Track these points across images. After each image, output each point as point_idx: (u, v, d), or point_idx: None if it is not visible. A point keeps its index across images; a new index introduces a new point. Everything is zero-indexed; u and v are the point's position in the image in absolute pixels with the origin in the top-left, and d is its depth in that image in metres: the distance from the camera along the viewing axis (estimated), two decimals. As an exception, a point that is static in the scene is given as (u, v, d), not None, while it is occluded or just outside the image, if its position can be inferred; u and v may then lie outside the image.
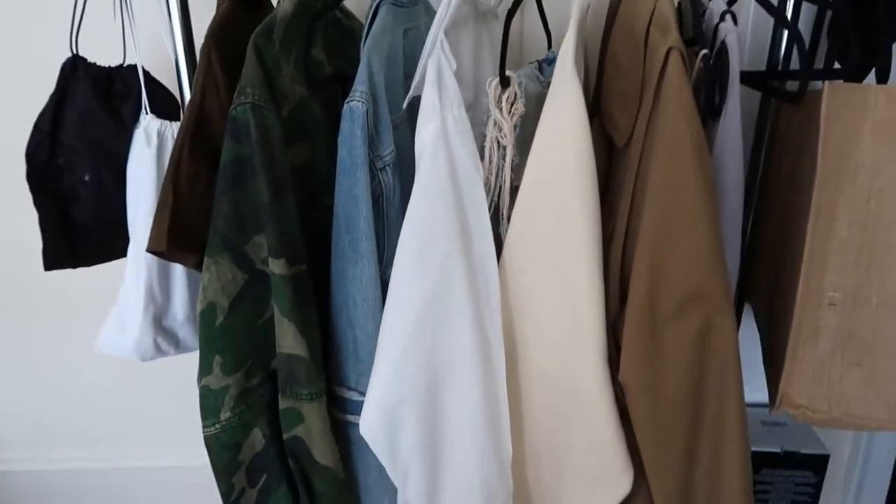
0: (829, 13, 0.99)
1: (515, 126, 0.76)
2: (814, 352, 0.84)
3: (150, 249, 0.75)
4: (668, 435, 0.78)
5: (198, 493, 1.40)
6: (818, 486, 1.34)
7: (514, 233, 0.79)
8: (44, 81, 0.94)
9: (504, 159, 0.78)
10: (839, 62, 0.95)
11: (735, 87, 0.72)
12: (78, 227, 0.97)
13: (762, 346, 0.99)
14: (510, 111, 0.75)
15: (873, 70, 0.90)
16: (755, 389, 1.00)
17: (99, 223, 0.97)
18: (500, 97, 0.75)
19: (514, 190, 0.79)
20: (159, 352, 1.02)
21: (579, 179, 0.75)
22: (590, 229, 0.77)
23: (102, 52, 0.97)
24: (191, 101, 0.75)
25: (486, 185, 0.79)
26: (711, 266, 0.72)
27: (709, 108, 0.78)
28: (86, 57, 0.94)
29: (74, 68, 0.92)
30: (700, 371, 0.75)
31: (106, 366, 1.43)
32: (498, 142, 0.77)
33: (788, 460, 1.31)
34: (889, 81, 0.89)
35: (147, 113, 0.95)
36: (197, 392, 0.78)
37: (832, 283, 0.82)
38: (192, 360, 1.05)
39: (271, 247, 0.73)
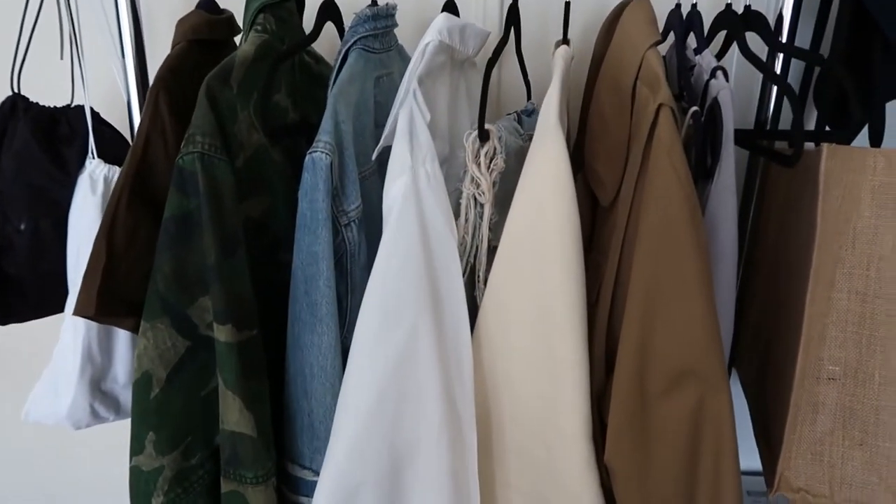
0: (815, 72, 0.96)
1: (494, 182, 0.70)
2: (812, 429, 0.77)
3: (78, 314, 0.66)
4: (659, 524, 0.70)
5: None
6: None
7: (491, 297, 0.73)
8: (-21, 121, 0.87)
9: (481, 218, 0.71)
10: (829, 123, 0.91)
11: (730, 147, 0.67)
12: (10, 279, 0.88)
13: (752, 419, 0.92)
14: (489, 167, 0.69)
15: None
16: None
17: (34, 276, 0.88)
18: (478, 151, 0.69)
19: (492, 251, 0.73)
20: (96, 418, 0.92)
21: (563, 241, 0.69)
22: (574, 294, 0.70)
23: (51, 92, 0.90)
24: (132, 148, 0.68)
25: (461, 245, 0.72)
26: (706, 340, 0.66)
27: (700, 169, 0.73)
28: (27, 97, 0.86)
29: (14, 108, 0.84)
30: (692, 455, 0.68)
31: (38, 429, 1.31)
32: (475, 199, 0.71)
33: (777, 538, 1.23)
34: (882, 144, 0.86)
35: (94, 157, 0.87)
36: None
37: (831, 357, 0.76)
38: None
39: (217, 311, 0.65)
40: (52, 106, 0.88)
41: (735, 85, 1.04)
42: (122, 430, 1.05)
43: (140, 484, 0.68)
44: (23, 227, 0.85)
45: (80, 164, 0.87)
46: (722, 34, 0.91)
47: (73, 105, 0.89)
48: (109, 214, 0.66)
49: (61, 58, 0.84)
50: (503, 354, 0.73)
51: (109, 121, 0.91)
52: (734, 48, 0.92)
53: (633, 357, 0.68)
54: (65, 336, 0.88)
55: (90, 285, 0.65)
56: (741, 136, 0.81)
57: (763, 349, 0.90)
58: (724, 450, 0.67)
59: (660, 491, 0.70)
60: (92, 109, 0.87)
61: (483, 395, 0.73)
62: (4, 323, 0.90)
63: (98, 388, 0.91)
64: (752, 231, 0.94)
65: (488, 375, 0.73)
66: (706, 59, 0.78)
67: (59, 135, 0.86)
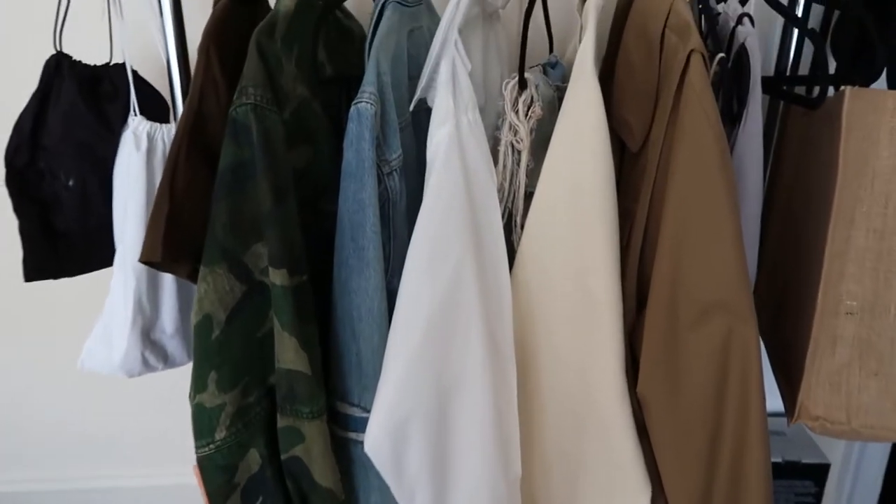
0: (833, 20, 0.98)
1: (532, 130, 0.73)
2: (831, 362, 0.81)
3: (144, 260, 0.70)
4: (688, 449, 0.75)
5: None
6: (819, 496, 1.32)
7: (528, 241, 0.76)
8: (26, 80, 0.89)
9: (518, 164, 0.75)
10: (848, 69, 0.94)
11: (757, 92, 0.70)
12: (60, 235, 0.91)
13: (769, 356, 0.97)
14: (527, 114, 0.72)
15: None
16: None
17: (83, 231, 0.91)
18: (516, 99, 0.72)
19: (528, 196, 0.76)
20: (147, 367, 0.97)
21: (597, 186, 0.72)
22: (608, 237, 0.74)
23: (89, 51, 0.92)
24: (188, 101, 0.71)
25: (499, 190, 0.76)
26: (735, 275, 0.69)
27: (727, 114, 0.76)
28: (70, 55, 0.89)
29: (59, 66, 0.87)
30: (721, 383, 0.73)
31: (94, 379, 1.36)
32: (513, 146, 0.74)
33: (790, 470, 1.29)
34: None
35: (136, 115, 0.90)
36: (188, 408, 0.73)
37: (849, 292, 0.80)
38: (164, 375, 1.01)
39: (272, 256, 0.69)
40: (93, 64, 0.90)
41: (756, 31, 1.07)
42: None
43: (204, 419, 0.73)
44: (71, 183, 0.89)
45: (124, 122, 0.90)
46: (743, -18, 0.93)
47: (113, 63, 0.92)
48: (170, 166, 0.69)
49: (101, 16, 0.85)
50: (539, 294, 0.77)
51: (147, 79, 0.94)
52: (753, -3, 0.94)
53: (664, 291, 0.72)
54: (115, 289, 0.92)
55: (156, 232, 0.69)
56: (764, 82, 0.83)
57: (781, 288, 0.94)
58: (751, 377, 0.71)
59: (690, 418, 0.74)
60: (132, 68, 0.90)
61: (521, 334, 0.77)
62: (56, 277, 0.93)
63: (148, 337, 0.95)
64: (771, 174, 0.97)
65: (526, 315, 0.77)
66: (731, 6, 0.81)
67: (103, 92, 0.88)
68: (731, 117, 0.77)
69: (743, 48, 0.74)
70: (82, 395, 1.39)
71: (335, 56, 0.88)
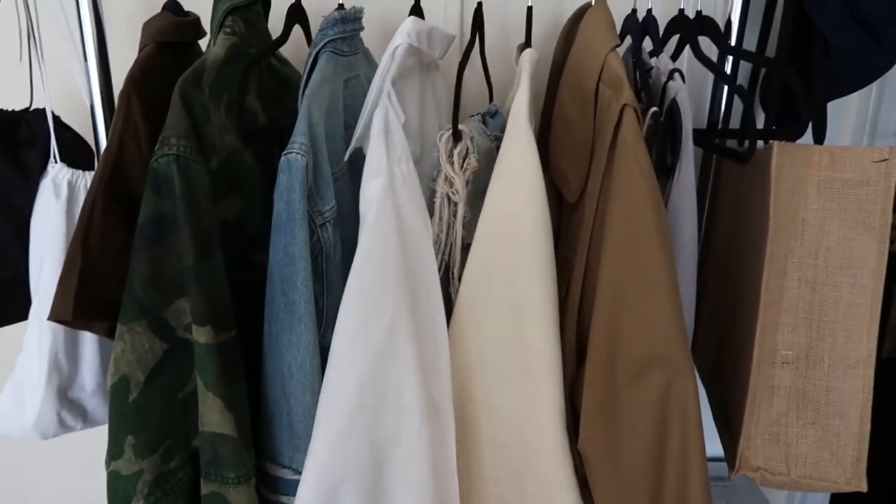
0: (761, 75, 1.02)
1: (468, 182, 0.72)
2: (769, 412, 0.82)
3: (54, 318, 0.65)
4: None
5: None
6: (763, 543, 1.32)
7: (466, 293, 0.75)
8: (-65, 125, 0.84)
9: (455, 216, 0.73)
10: (775, 123, 0.97)
11: (689, 146, 0.71)
12: (-30, 287, 0.85)
13: (711, 404, 0.97)
14: (462, 166, 0.71)
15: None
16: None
17: (-5, 283, 0.86)
18: (451, 151, 0.71)
19: (466, 248, 0.75)
20: (63, 427, 0.90)
21: (536, 237, 0.72)
22: (546, 288, 0.73)
23: (8, 96, 0.88)
24: (106, 150, 0.67)
25: (435, 243, 0.74)
26: (671, 329, 0.69)
27: (661, 166, 0.77)
28: (-14, 100, 0.85)
29: (-29, 111, 0.82)
30: (662, 437, 0.72)
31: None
32: (449, 198, 0.73)
33: (735, 518, 1.29)
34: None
35: (56, 161, 0.85)
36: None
37: (785, 342, 0.81)
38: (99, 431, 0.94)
39: (195, 313, 0.65)
40: (10, 110, 0.86)
41: (687, 86, 1.09)
42: (84, 440, 1.04)
43: (119, 489, 0.68)
44: (-18, 233, 0.83)
45: (42, 169, 0.85)
46: (675, 38, 0.96)
47: (32, 108, 0.88)
48: (84, 218, 0.66)
49: (20, 60, 0.82)
50: (478, 348, 0.75)
51: (70, 125, 0.90)
52: (685, 51, 0.96)
53: (603, 346, 0.71)
54: (29, 344, 0.86)
55: (67, 289, 0.64)
56: (696, 135, 0.85)
57: (719, 338, 0.94)
58: (691, 430, 0.71)
59: (631, 473, 0.73)
60: (53, 113, 0.86)
61: (459, 389, 0.75)
62: (-36, 332, 0.87)
63: (65, 396, 0.89)
64: (706, 226, 0.99)
65: (465, 369, 0.75)
66: (663, 62, 0.82)
67: (20, 139, 0.84)
68: (665, 170, 0.77)
69: (674, 103, 0.75)
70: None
71: (270, 104, 0.86)
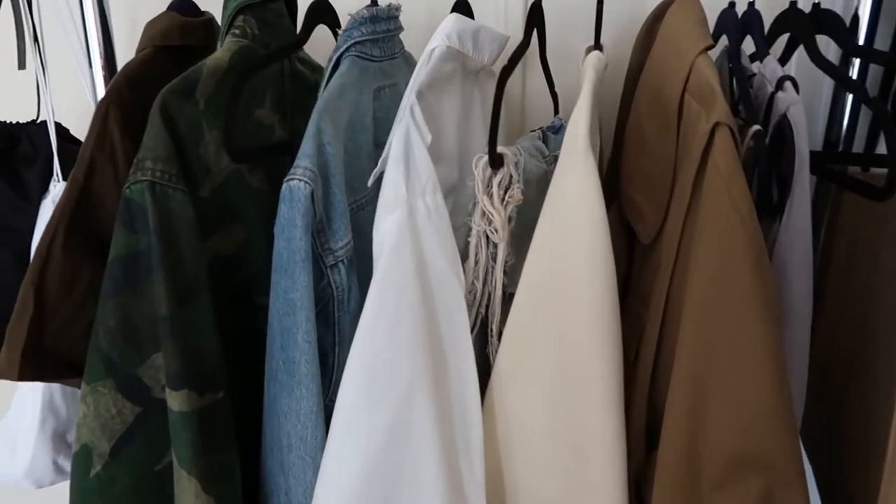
0: None
1: (510, 218, 0.58)
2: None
3: None
4: None
5: None
6: None
7: (506, 357, 0.60)
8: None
9: (494, 260, 0.59)
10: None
11: (804, 176, 0.54)
12: (-37, 318, 0.77)
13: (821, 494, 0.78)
14: (503, 199, 0.56)
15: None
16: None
17: (-8, 313, 0.78)
18: (489, 180, 0.57)
19: (508, 299, 0.60)
20: (61, 475, 0.81)
21: (593, 288, 0.56)
22: (606, 354, 0.58)
23: (13, 108, 0.80)
24: (72, 176, 0.57)
25: (469, 293, 0.60)
26: (774, 419, 0.52)
27: (764, 203, 0.59)
28: (-14, 112, 0.77)
29: (-33, 125, 0.75)
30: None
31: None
32: (487, 237, 0.58)
33: None
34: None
35: (59, 180, 0.77)
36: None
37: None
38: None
39: (169, 374, 0.54)
40: (11, 122, 0.78)
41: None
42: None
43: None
44: (-22, 259, 0.76)
45: (44, 188, 0.77)
46: (783, 39, 0.78)
47: (37, 121, 0.79)
48: (40, 257, 0.55)
49: (20, 67, 0.73)
50: (520, 426, 0.60)
51: (80, 137, 0.81)
52: (796, 55, 0.78)
53: (680, 436, 0.55)
54: (23, 385, 0.78)
55: (14, 342, 0.54)
56: (810, 161, 0.67)
57: (829, 414, 0.75)
58: (797, 557, 0.53)
59: None
60: (59, 125, 0.77)
61: (494, 475, 0.60)
62: (-44, 367, 0.79)
63: (63, 440, 0.80)
64: (818, 276, 0.80)
65: (501, 451, 0.60)
66: (769, 67, 0.65)
67: (20, 155, 0.76)
68: (770, 208, 0.60)
69: (785, 120, 0.58)
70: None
71: (290, 116, 0.75)
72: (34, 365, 0.56)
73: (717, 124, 0.53)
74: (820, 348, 0.75)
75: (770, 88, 0.62)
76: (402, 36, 0.75)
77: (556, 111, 0.89)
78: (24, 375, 0.55)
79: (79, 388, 0.62)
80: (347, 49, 0.66)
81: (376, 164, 0.65)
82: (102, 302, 0.54)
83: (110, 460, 0.56)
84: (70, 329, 0.57)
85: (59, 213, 0.56)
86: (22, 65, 0.74)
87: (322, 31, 0.74)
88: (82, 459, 0.55)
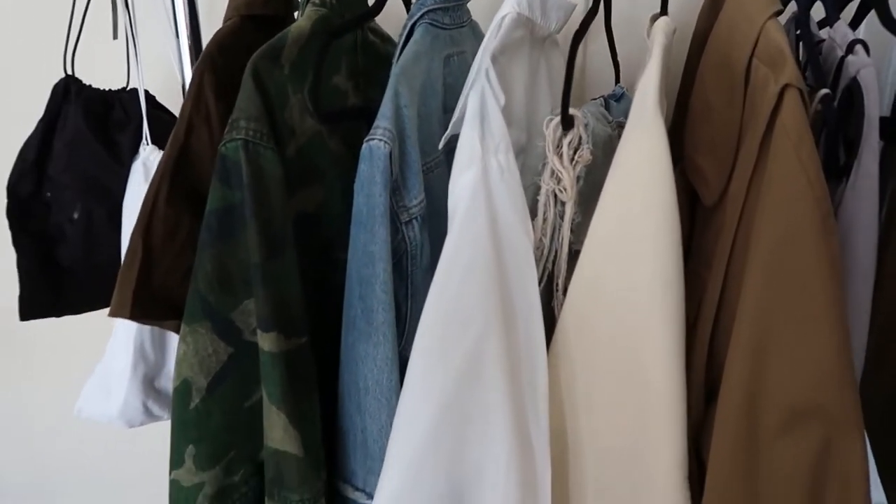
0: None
1: (578, 177, 0.60)
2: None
3: (113, 315, 0.61)
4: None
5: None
6: None
7: (572, 310, 0.63)
8: (33, 104, 0.83)
9: (562, 218, 0.62)
10: None
11: (873, 139, 0.55)
12: (63, 270, 0.84)
13: (877, 463, 0.78)
14: (572, 159, 0.59)
15: None
16: None
17: (88, 267, 0.85)
18: (560, 141, 0.59)
19: (574, 255, 0.63)
20: (150, 417, 0.88)
21: (659, 247, 0.59)
22: (670, 310, 0.60)
23: (103, 75, 0.85)
24: (173, 134, 0.62)
25: (537, 249, 0.63)
26: (835, 372, 0.54)
27: (831, 166, 0.60)
28: (81, 79, 0.82)
29: (67, 91, 0.81)
30: (813, 509, 0.57)
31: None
32: (555, 196, 0.61)
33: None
34: None
35: (148, 144, 0.82)
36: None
37: None
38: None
39: (260, 317, 0.59)
40: (105, 89, 0.84)
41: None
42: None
43: (180, 499, 0.63)
44: (76, 216, 0.82)
45: (134, 151, 0.83)
46: (852, 5, 0.77)
47: (128, 88, 0.85)
48: (147, 208, 0.61)
49: (114, 37, 0.79)
50: (584, 377, 0.63)
51: (167, 105, 0.87)
52: (866, 20, 0.77)
53: (741, 387, 0.57)
54: (117, 331, 0.85)
55: (125, 285, 0.60)
56: (880, 125, 0.67)
57: (889, 379, 0.76)
58: (855, 502, 0.55)
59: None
60: (147, 93, 0.82)
61: (559, 425, 0.64)
62: (56, 315, 0.87)
63: (151, 385, 0.87)
64: (881, 242, 0.80)
65: (566, 401, 0.64)
66: (839, 32, 0.66)
67: (113, 120, 0.82)
68: (837, 170, 0.61)
69: (854, 83, 0.58)
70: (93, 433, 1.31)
71: (366, 84, 0.78)
72: (143, 306, 0.61)
73: (786, 86, 0.54)
74: (882, 311, 0.76)
75: (840, 52, 0.63)
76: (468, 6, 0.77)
77: (618, 80, 0.90)
78: (134, 315, 0.61)
79: (177, 332, 0.68)
80: (421, 17, 0.69)
81: (445, 128, 0.68)
82: (200, 250, 0.59)
83: (207, 395, 0.61)
84: (172, 275, 0.62)
85: (162, 169, 0.62)
86: (115, 35, 0.79)
87: (393, 3, 0.77)
88: (182, 393, 0.60)
